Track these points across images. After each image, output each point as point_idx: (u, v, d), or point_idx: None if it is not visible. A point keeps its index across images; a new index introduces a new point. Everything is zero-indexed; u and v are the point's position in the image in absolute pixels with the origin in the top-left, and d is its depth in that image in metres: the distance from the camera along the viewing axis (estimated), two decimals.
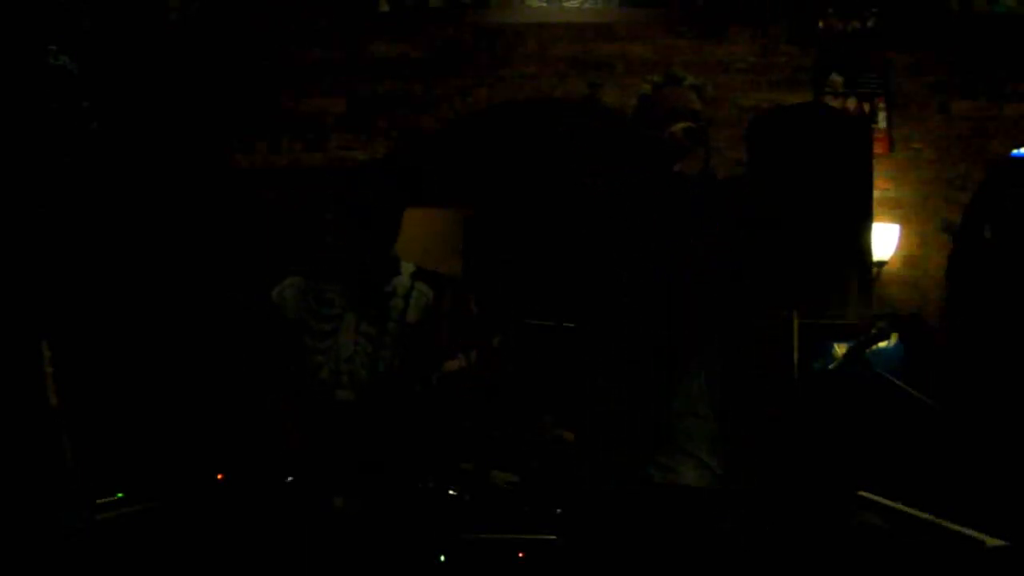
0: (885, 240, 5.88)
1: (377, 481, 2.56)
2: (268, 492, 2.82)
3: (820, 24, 6.16)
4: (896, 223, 5.96)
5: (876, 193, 2.20)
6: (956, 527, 2.66)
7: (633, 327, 2.11)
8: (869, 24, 6.13)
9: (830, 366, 5.41)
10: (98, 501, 3.23)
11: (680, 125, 2.17)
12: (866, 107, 6.10)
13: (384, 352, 2.62)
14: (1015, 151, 6.27)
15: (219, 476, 3.78)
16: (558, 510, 3.22)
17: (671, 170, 2.17)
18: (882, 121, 6.09)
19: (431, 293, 2.71)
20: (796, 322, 5.60)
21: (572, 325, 2.28)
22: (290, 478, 2.63)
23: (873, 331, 3.56)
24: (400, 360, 2.63)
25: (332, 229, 2.77)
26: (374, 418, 2.57)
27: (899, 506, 2.89)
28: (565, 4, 6.17)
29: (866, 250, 2.32)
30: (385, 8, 6.14)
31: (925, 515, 2.76)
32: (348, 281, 2.66)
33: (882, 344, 4.73)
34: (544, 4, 6.17)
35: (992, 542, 2.54)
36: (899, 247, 5.98)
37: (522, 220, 6.88)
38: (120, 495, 3.36)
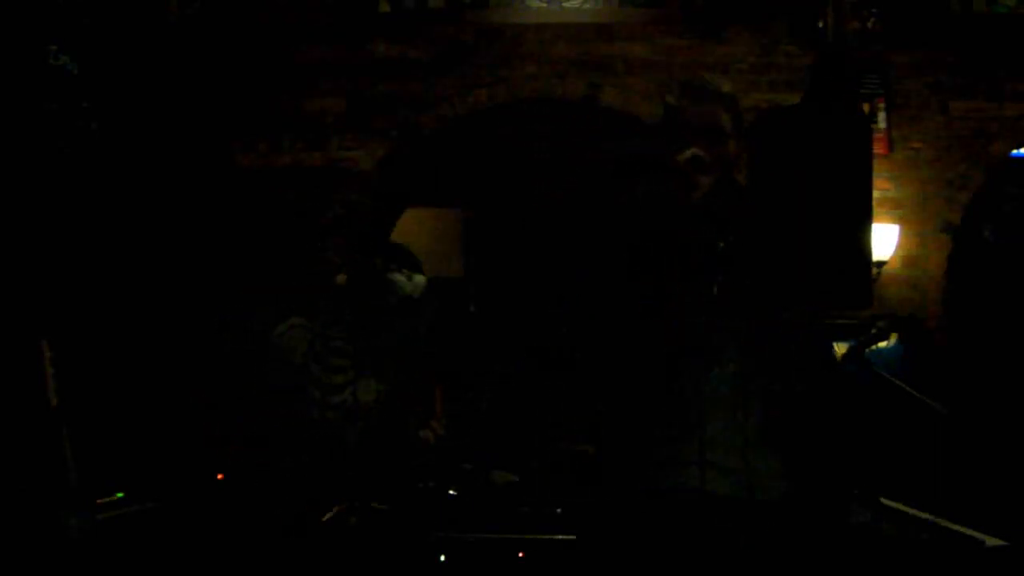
0: (885, 240, 5.87)
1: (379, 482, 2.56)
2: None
3: (820, 24, 6.16)
4: (896, 223, 5.96)
5: (876, 193, 2.19)
6: (956, 527, 2.66)
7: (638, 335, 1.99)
8: (869, 24, 6.13)
9: None
10: (98, 501, 3.23)
11: (688, 152, 1.96)
12: (866, 107, 6.09)
13: (391, 363, 2.51)
14: (1015, 151, 6.27)
15: (219, 476, 3.77)
16: (558, 510, 3.22)
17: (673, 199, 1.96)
18: (882, 121, 6.09)
19: (422, 280, 2.58)
20: None
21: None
22: None
23: (873, 331, 3.54)
24: (407, 367, 2.52)
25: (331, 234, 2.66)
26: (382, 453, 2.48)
27: (899, 506, 2.89)
28: (565, 4, 6.17)
29: (866, 250, 2.32)
30: (385, 8, 6.14)
31: (925, 515, 2.76)
32: (354, 320, 2.49)
33: (882, 344, 4.72)
34: (544, 4, 6.17)
35: (992, 542, 2.54)
36: (899, 247, 5.98)
37: (523, 221, 6.88)
38: (120, 495, 3.36)
